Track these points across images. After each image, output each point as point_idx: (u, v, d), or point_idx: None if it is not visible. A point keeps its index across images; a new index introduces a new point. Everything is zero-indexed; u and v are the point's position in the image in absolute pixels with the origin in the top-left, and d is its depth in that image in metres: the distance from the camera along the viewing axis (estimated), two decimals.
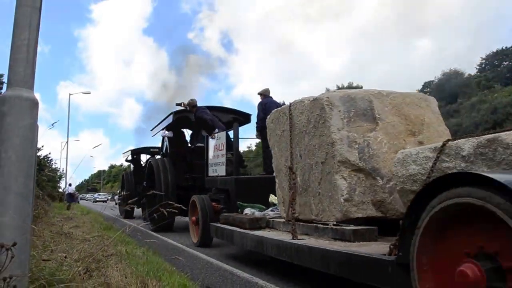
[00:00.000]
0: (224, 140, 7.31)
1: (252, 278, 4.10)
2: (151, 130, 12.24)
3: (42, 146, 11.37)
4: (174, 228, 9.33)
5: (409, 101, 3.99)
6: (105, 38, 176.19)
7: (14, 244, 1.88)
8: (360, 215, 3.52)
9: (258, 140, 10.31)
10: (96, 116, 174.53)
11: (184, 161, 10.28)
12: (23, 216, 2.04)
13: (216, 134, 7.74)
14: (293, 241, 3.65)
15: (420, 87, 48.26)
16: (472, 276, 1.88)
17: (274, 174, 4.84)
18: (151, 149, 15.06)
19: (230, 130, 8.30)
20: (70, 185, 24.66)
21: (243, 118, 10.38)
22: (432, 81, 44.54)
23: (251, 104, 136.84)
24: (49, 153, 14.45)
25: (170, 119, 10.01)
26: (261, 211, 5.25)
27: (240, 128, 8.75)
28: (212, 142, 7.80)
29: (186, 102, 9.22)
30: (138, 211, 14.45)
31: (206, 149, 8.09)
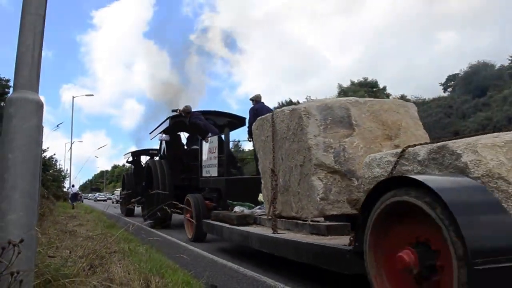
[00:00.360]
0: (216, 144, 8.22)
1: (259, 277, 4.15)
2: (150, 133, 13.25)
3: (48, 148, 11.77)
4: (170, 225, 10.05)
5: (387, 107, 4.52)
6: (106, 42, 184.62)
7: (21, 241, 2.03)
8: (335, 213, 4.09)
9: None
10: (98, 118, 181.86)
11: (181, 162, 11.26)
12: (30, 214, 2.20)
13: (209, 138, 8.68)
14: (273, 235, 4.34)
15: (443, 80, 47.69)
16: (408, 260, 2.45)
17: (260, 175, 5.44)
18: (150, 151, 16.17)
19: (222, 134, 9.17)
20: (73, 186, 25.88)
21: (238, 121, 11.21)
22: (457, 74, 43.83)
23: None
24: (54, 154, 14.98)
25: (167, 124, 10.95)
26: (250, 209, 5.90)
27: (237, 131, 10.33)
28: (205, 145, 8.69)
29: (181, 108, 10.13)
30: (137, 210, 15.32)
31: (200, 151, 8.98)
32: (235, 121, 11.26)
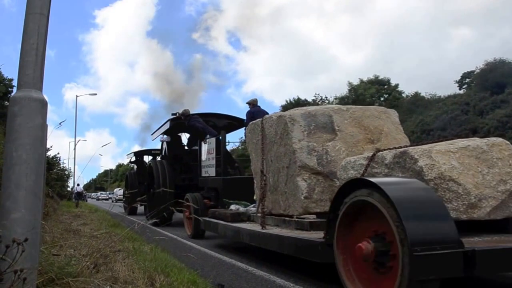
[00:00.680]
0: (214, 145, 8.86)
1: (269, 276, 4.16)
2: (152, 134, 14.01)
3: (51, 147, 11.97)
4: (171, 224, 10.39)
5: (369, 114, 5.02)
6: (109, 41, 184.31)
7: (26, 240, 2.09)
8: (318, 210, 4.57)
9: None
10: (101, 116, 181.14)
11: (181, 163, 11.93)
12: (34, 212, 2.27)
13: (207, 140, 9.34)
14: (261, 231, 4.90)
15: (458, 77, 47.39)
16: (365, 249, 2.96)
17: (253, 175, 5.92)
18: (153, 151, 16.84)
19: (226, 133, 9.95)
20: (78, 185, 26.46)
21: (237, 122, 11.81)
22: (473, 71, 43.57)
23: (263, 99, 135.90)
24: (58, 153, 15.23)
25: (167, 126, 11.60)
26: (245, 207, 6.45)
27: (236, 132, 10.98)
28: (204, 146, 9.37)
29: (180, 112, 10.84)
30: (140, 209, 16.03)
31: (199, 152, 9.66)
32: (235, 123, 11.83)
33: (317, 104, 56.83)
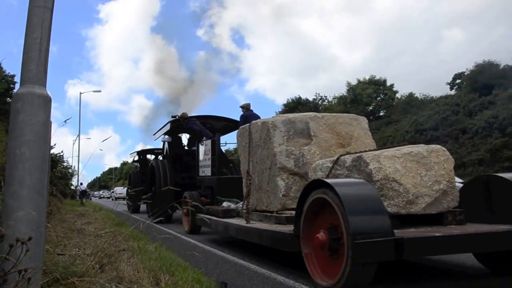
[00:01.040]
0: (210, 146, 9.31)
1: (270, 274, 4.10)
2: (153, 134, 14.26)
3: (55, 144, 11.83)
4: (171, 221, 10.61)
5: (341, 121, 5.41)
6: (113, 37, 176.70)
7: (30, 239, 1.99)
8: (294, 207, 4.60)
9: None
10: (105, 113, 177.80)
11: (181, 162, 12.28)
12: (38, 211, 2.15)
13: (203, 142, 9.80)
14: (245, 225, 5.32)
15: (450, 79, 47.47)
16: (321, 239, 3.44)
17: (242, 175, 6.29)
18: (155, 150, 17.15)
19: (222, 135, 10.62)
20: (81, 184, 26.51)
21: (234, 124, 11.92)
22: (463, 72, 43.66)
23: (264, 98, 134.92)
24: (61, 151, 15.13)
25: (168, 127, 11.94)
26: (236, 204, 6.83)
27: (235, 133, 10.68)
28: (201, 148, 9.86)
29: (179, 114, 11.30)
30: (142, 206, 15.97)
31: (197, 153, 10.19)
32: (231, 124, 12.00)
33: (318, 103, 56.78)
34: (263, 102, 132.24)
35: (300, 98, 57.71)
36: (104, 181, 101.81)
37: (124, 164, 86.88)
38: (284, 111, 56.47)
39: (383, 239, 3.08)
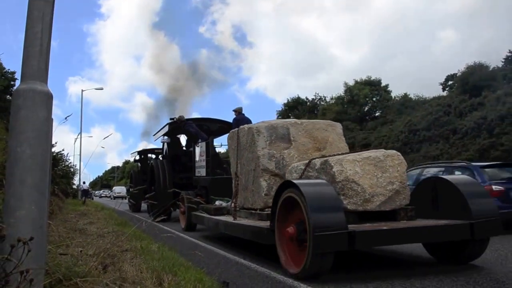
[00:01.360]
0: (204, 148, 9.71)
1: (270, 273, 4.10)
2: (153, 135, 14.56)
3: (56, 143, 11.65)
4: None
5: (318, 127, 5.75)
6: (115, 33, 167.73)
7: (31, 239, 1.90)
8: None
9: None
10: (106, 111, 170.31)
11: (180, 162, 12.51)
12: (39, 210, 2.05)
13: (199, 144, 10.16)
14: (232, 221, 5.74)
15: (442, 80, 47.47)
16: (290, 232, 3.94)
17: (232, 176, 6.61)
18: (156, 150, 17.36)
19: (215, 137, 11.46)
20: (84, 182, 26.35)
21: (228, 126, 12.08)
22: (455, 74, 43.69)
23: (265, 97, 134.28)
24: (63, 150, 14.88)
25: (166, 129, 12.26)
26: (227, 203, 7.08)
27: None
28: (197, 149, 10.20)
29: (177, 117, 11.67)
30: (143, 206, 16.06)
31: (193, 154, 10.53)
32: (226, 127, 12.13)
33: (316, 103, 56.64)
34: (263, 102, 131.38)
35: (299, 97, 57.66)
36: (107, 180, 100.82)
37: (126, 163, 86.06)
38: (284, 111, 56.59)
39: (338, 232, 3.57)
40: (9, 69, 16.52)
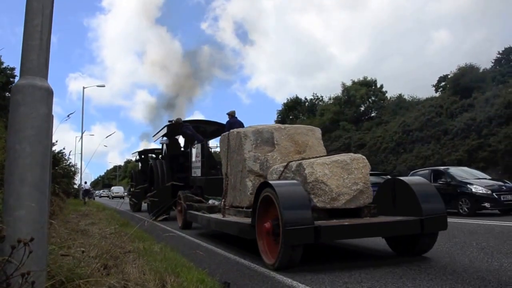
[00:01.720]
0: (200, 150, 10.16)
1: (269, 272, 4.10)
2: (153, 136, 14.91)
3: (56, 141, 11.45)
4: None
5: (299, 131, 6.08)
6: (116, 28, 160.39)
7: (32, 240, 1.80)
8: None
9: None
10: (108, 109, 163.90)
11: (178, 163, 12.72)
12: (40, 210, 1.95)
13: (195, 145, 10.55)
14: (221, 219, 6.10)
15: (435, 81, 47.54)
16: (267, 227, 4.32)
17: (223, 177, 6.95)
18: (156, 151, 17.59)
19: (211, 139, 12.35)
20: (86, 182, 26.21)
21: (223, 128, 12.28)
22: (448, 75, 43.74)
23: (265, 97, 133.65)
24: (63, 148, 14.62)
25: (165, 130, 12.65)
26: (220, 201, 7.19)
27: None
28: (194, 151, 10.60)
29: (175, 120, 12.10)
30: (143, 205, 16.18)
31: (190, 155, 10.96)
32: (221, 128, 12.13)
33: (315, 103, 56.53)
34: (263, 101, 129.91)
35: (297, 97, 57.61)
36: (108, 179, 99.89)
37: (128, 162, 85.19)
38: (283, 111, 56.62)
39: (305, 227, 3.97)
40: (8, 65, 16.04)
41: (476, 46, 68.50)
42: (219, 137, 12.40)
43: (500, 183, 11.86)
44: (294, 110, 56.92)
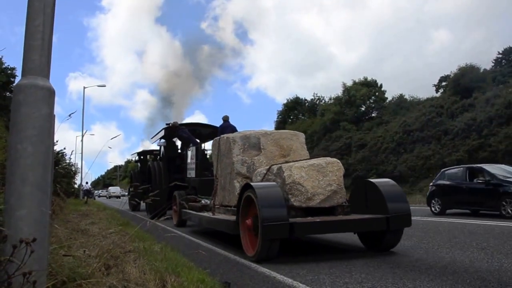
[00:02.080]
0: (194, 152, 10.78)
1: (270, 272, 4.08)
2: (151, 138, 15.38)
3: (57, 141, 11.42)
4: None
5: (284, 136, 6.52)
6: (116, 27, 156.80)
7: (34, 240, 1.81)
8: None
9: None
10: (108, 109, 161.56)
11: (175, 164, 13.13)
12: (41, 209, 1.94)
13: (190, 148, 11.18)
14: (211, 216, 6.62)
15: (435, 81, 47.39)
16: (249, 223, 4.88)
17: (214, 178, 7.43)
18: (154, 152, 17.91)
19: (207, 141, 12.81)
20: (87, 182, 26.34)
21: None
22: (449, 75, 43.57)
23: (266, 97, 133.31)
24: (64, 148, 14.62)
25: (162, 133, 13.14)
26: (211, 201, 7.64)
27: None
28: (189, 153, 11.24)
29: (171, 123, 12.54)
30: (142, 205, 16.42)
31: (185, 157, 11.64)
32: (216, 131, 12.38)
33: (315, 103, 56.35)
34: (264, 101, 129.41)
35: (297, 97, 57.48)
36: (109, 179, 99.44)
37: (129, 162, 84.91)
38: (284, 111, 56.54)
39: (280, 223, 4.47)
40: (8, 65, 15.99)
41: (476, 46, 68.40)
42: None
43: None
44: (294, 111, 56.81)
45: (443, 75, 45.99)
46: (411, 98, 46.20)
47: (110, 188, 60.68)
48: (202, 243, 6.47)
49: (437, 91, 45.70)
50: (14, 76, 15.34)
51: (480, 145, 30.26)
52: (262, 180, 5.58)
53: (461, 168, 12.55)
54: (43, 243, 1.95)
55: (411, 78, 74.06)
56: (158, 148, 16.79)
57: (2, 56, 15.75)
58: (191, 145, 11.39)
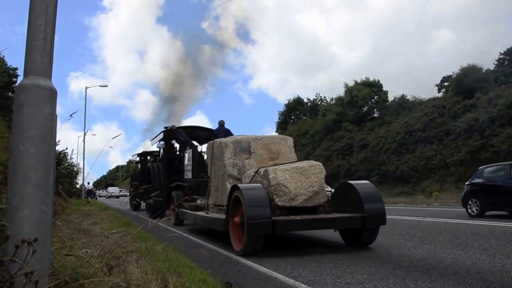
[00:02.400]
0: (191, 154, 11.30)
1: (271, 273, 4.09)
2: (151, 140, 15.94)
3: (59, 141, 11.42)
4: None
5: (273, 141, 6.94)
6: (117, 27, 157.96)
7: (36, 240, 1.80)
8: None
9: None
10: (109, 109, 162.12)
11: (173, 166, 13.52)
12: (44, 209, 1.94)
13: (187, 150, 11.68)
14: (205, 215, 7.04)
15: (437, 81, 47.28)
16: (237, 221, 5.30)
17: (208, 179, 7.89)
18: (154, 153, 18.22)
19: (204, 144, 12.81)
20: (88, 183, 26.48)
21: None
22: (451, 75, 43.46)
23: (267, 97, 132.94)
24: (66, 148, 14.65)
25: (161, 135, 13.71)
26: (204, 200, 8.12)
27: None
28: (186, 155, 11.74)
29: (169, 126, 13.14)
30: (142, 205, 16.66)
31: (183, 159, 12.12)
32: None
33: (317, 104, 56.29)
34: (265, 101, 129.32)
35: (299, 98, 57.47)
36: (111, 179, 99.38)
37: (130, 162, 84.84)
38: (285, 111, 56.53)
39: (264, 220, 4.90)
40: (10, 65, 15.99)
41: (478, 46, 68.22)
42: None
43: None
44: (295, 111, 56.80)
45: (445, 75, 45.94)
46: (413, 99, 46.13)
47: (109, 188, 63.69)
48: (203, 243, 6.48)
49: (439, 91, 45.62)
50: (16, 76, 15.36)
51: (482, 146, 30.22)
52: (250, 182, 5.97)
53: (506, 165, 10.94)
54: (45, 243, 1.94)
55: (413, 78, 74.07)
56: (158, 149, 17.11)
57: (3, 56, 15.79)
58: (187, 148, 11.92)
